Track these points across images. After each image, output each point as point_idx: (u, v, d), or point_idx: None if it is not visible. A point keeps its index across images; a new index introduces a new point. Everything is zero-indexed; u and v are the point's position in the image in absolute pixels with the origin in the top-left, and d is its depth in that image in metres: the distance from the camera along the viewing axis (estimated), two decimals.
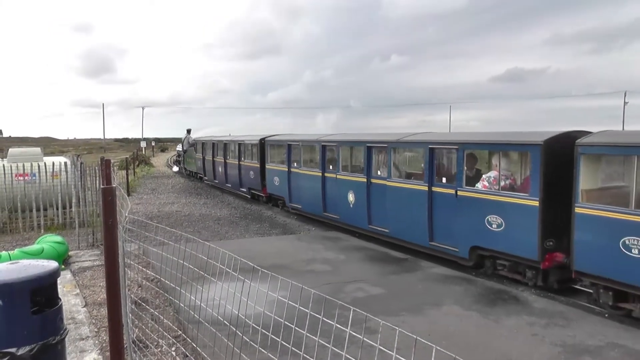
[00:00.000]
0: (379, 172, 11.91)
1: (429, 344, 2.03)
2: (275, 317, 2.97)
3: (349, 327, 2.33)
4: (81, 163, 14.05)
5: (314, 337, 2.62)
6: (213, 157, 24.15)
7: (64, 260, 9.81)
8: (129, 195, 20.67)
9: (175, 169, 39.73)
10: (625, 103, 71.96)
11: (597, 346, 5.99)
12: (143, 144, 64.89)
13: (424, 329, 6.42)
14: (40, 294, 3.56)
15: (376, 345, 2.27)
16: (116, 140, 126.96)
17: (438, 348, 1.95)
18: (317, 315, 2.60)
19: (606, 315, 7.25)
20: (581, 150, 7.47)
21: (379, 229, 11.72)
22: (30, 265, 3.67)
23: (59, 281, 3.84)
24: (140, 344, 5.36)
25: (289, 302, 2.81)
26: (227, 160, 22.04)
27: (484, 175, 9.32)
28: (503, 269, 8.99)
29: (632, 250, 6.73)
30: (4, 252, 8.75)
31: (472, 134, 10.73)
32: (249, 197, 19.77)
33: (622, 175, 7.60)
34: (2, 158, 16.41)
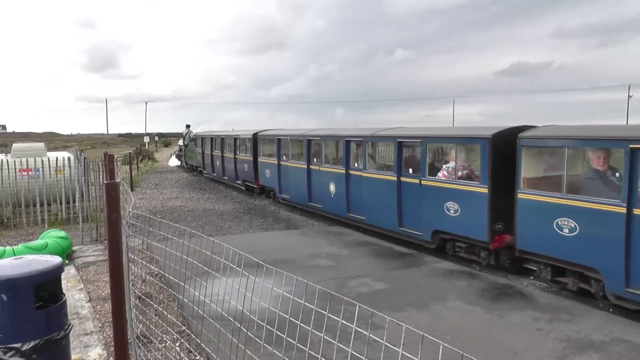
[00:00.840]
0: (356, 164, 12.79)
1: (436, 340, 2.01)
2: (280, 312, 2.95)
3: (354, 323, 2.31)
4: (85, 158, 14.06)
5: (319, 333, 2.61)
6: (211, 151, 25.15)
7: (68, 255, 9.82)
8: (132, 190, 20.70)
9: (176, 162, 40.27)
10: (629, 96, 71.73)
11: (602, 341, 5.97)
12: (146, 139, 64.88)
13: (428, 324, 6.41)
14: (44, 289, 3.56)
15: (381, 341, 2.26)
16: (119, 135, 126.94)
17: (445, 345, 1.94)
18: (323, 312, 2.59)
19: (611, 310, 7.22)
20: (522, 143, 8.41)
21: (356, 216, 12.66)
22: (34, 260, 3.67)
23: (62, 276, 3.84)
24: (144, 339, 5.36)
25: (294, 298, 2.80)
26: (224, 154, 22.95)
27: (444, 166, 10.20)
28: (461, 251, 9.90)
29: (564, 230, 7.67)
30: (8, 247, 8.77)
31: (435, 128, 12.01)
32: (244, 188, 20.78)
33: (555, 164, 8.37)
34: (6, 153, 16.44)
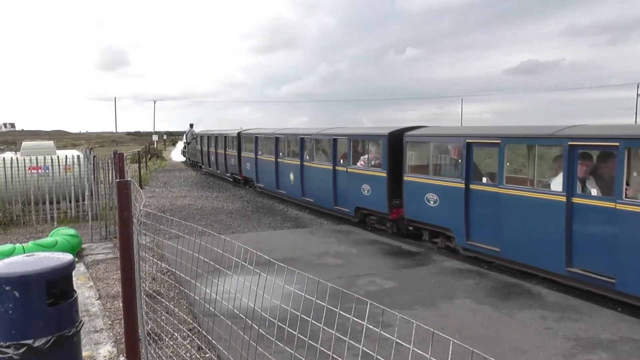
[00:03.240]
0: (307, 157, 15.54)
1: (446, 337, 2.02)
2: (292, 310, 2.97)
3: (365, 321, 2.33)
4: (94, 156, 14.13)
5: (330, 330, 2.62)
6: (208, 148, 28.13)
7: (77, 253, 9.88)
8: (141, 188, 20.76)
9: (182, 158, 41.61)
10: (638, 95, 71.03)
11: (611, 340, 5.96)
12: (155, 138, 65.04)
13: (436, 322, 6.41)
14: (55, 286, 3.58)
15: (392, 337, 2.27)
16: (128, 133, 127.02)
17: (455, 341, 1.94)
18: (334, 309, 2.60)
19: (619, 309, 7.19)
20: (406, 139, 11.28)
21: (307, 199, 15.54)
22: (46, 257, 3.69)
23: (72, 274, 3.86)
24: (155, 337, 5.40)
25: (306, 295, 2.81)
26: (217, 151, 25.95)
27: (361, 157, 13.04)
28: (374, 222, 12.57)
29: (430, 202, 10.41)
30: (17, 245, 8.83)
31: (357, 128, 15.15)
32: (231, 180, 23.85)
33: (426, 155, 11.23)
34: (15, 151, 16.54)
